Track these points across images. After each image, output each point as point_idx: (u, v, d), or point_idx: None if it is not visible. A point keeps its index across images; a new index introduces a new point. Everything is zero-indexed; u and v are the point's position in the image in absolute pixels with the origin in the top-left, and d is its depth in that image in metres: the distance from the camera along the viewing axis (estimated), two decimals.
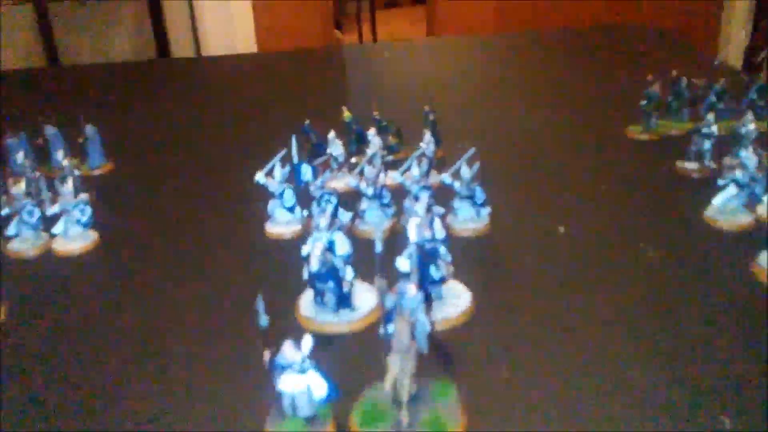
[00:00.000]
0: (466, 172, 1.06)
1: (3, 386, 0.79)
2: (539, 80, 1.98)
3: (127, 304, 0.96)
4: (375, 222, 1.09)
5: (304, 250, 0.83)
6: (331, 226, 0.85)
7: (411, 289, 0.68)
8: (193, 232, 1.17)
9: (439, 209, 1.07)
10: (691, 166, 1.22)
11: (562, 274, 0.98)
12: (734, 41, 4.27)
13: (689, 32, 4.07)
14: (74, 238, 1.11)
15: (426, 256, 0.85)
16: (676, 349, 0.80)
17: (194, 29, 4.04)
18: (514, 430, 0.69)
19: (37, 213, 1.10)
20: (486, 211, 1.09)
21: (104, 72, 2.46)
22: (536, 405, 0.72)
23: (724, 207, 1.05)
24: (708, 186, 1.09)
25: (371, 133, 1.25)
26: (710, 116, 1.21)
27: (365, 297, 0.89)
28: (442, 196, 1.09)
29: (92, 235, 1.13)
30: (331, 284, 0.84)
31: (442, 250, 0.86)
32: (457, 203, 1.08)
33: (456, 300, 0.89)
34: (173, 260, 1.08)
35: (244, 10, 3.99)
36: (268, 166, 1.09)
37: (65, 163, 1.23)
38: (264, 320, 0.67)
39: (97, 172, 1.41)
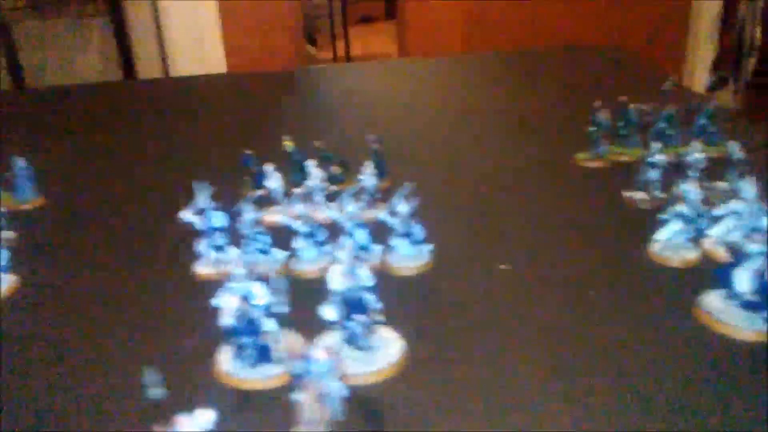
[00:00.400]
0: (402, 208, 1.01)
1: None
2: (496, 104, 1.95)
3: (38, 359, 0.89)
4: (311, 261, 1.04)
5: (215, 301, 0.78)
6: (251, 272, 0.80)
7: (320, 354, 0.62)
8: (119, 274, 1.10)
9: (374, 249, 1.03)
10: (638, 196, 1.19)
11: (503, 315, 0.93)
12: (701, 55, 4.32)
13: (656, 48, 4.11)
14: None
15: (350, 305, 0.80)
16: (616, 394, 0.76)
17: (162, 49, 3.98)
18: None
19: None
20: (427, 248, 1.05)
21: (62, 94, 2.37)
22: None
23: (670, 242, 1.02)
24: (655, 218, 1.06)
25: (311, 164, 1.20)
26: (655, 144, 1.18)
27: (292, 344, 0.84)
28: (381, 232, 1.05)
29: (11, 279, 1.06)
30: (249, 338, 0.78)
31: (369, 297, 0.81)
32: (394, 241, 1.04)
33: (386, 350, 0.84)
34: (95, 306, 1.02)
35: (212, 29, 3.94)
36: (194, 203, 1.03)
37: None
38: (157, 392, 0.62)
39: (25, 207, 1.34)
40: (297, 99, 2.13)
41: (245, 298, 0.78)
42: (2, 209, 1.19)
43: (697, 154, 1.14)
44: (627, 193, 1.21)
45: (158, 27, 3.91)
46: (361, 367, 0.81)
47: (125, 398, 0.79)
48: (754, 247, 0.81)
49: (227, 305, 0.76)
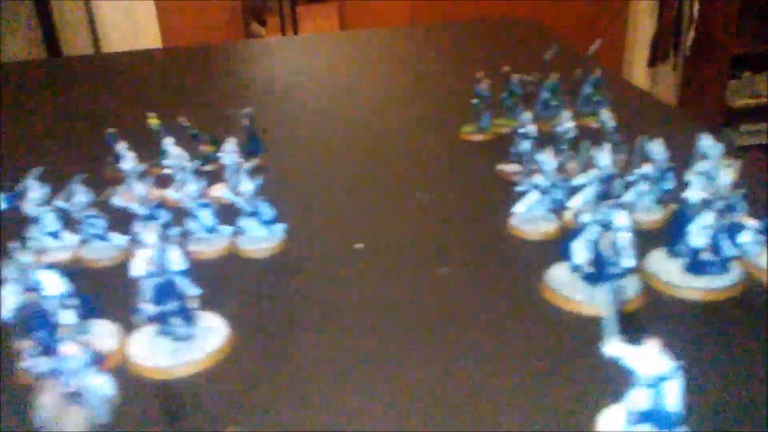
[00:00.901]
0: (247, 185, 0.95)
1: None
2: (402, 78, 1.89)
3: None
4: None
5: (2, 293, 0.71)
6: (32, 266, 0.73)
7: (68, 349, 0.56)
8: None
9: (221, 230, 0.97)
10: (511, 168, 1.15)
11: (349, 298, 0.88)
12: (641, 30, 4.34)
13: (598, 24, 4.11)
14: None
15: (161, 292, 0.74)
16: (451, 371, 0.71)
17: (92, 26, 3.82)
18: None
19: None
20: (278, 228, 0.99)
21: None
22: None
23: (527, 213, 0.98)
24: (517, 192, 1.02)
25: (169, 141, 1.13)
26: (526, 115, 1.13)
27: (106, 339, 0.78)
28: (229, 212, 0.99)
29: None
30: (43, 332, 0.71)
31: (181, 281, 0.75)
32: (242, 221, 0.98)
33: (208, 339, 0.78)
34: None
35: (147, 8, 3.81)
36: (22, 187, 0.95)
37: None
38: None
39: None
40: (207, 75, 2.03)
41: (33, 289, 0.71)
42: None
43: (567, 123, 1.11)
44: (500, 166, 1.17)
45: (88, 6, 3.76)
46: (174, 359, 0.75)
47: None
48: (585, 217, 0.77)
49: (6, 303, 0.68)
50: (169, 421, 0.67)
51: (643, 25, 4.33)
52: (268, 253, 0.98)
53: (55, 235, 0.97)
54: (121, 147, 1.13)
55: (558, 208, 0.98)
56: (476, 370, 0.73)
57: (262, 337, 0.81)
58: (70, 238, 0.98)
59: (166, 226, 0.98)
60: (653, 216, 0.96)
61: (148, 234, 0.74)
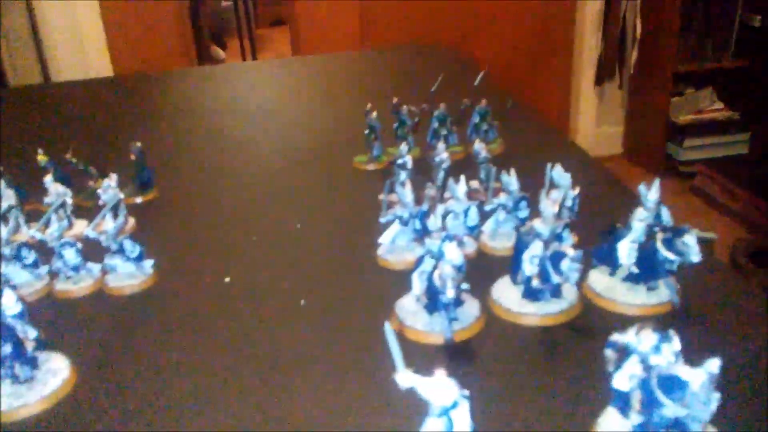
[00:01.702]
0: (109, 224, 0.97)
1: None
2: (311, 104, 1.92)
3: None
4: (24, 285, 0.99)
5: None
6: None
7: None
8: None
9: (90, 269, 0.99)
10: (390, 197, 1.17)
11: (207, 331, 0.90)
12: (586, 51, 4.45)
13: (545, 45, 4.21)
14: None
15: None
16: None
17: (40, 54, 3.80)
18: None
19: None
20: (149, 263, 1.01)
21: None
22: None
23: (391, 244, 1.01)
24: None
25: (48, 179, 1.14)
26: (403, 146, 1.16)
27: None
28: (97, 251, 1.00)
29: None
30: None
31: (18, 323, 0.76)
32: (108, 259, 0.99)
33: (49, 381, 0.79)
34: None
35: (95, 31, 3.81)
36: None
37: None
38: None
39: None
40: (135, 103, 2.05)
41: None
42: None
43: (442, 154, 1.14)
44: (381, 196, 1.19)
45: (35, 32, 3.75)
46: (14, 401, 0.76)
47: None
48: (418, 250, 0.80)
49: None
50: None
51: (589, 45, 4.44)
52: (135, 290, 0.99)
53: None
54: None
55: (420, 237, 1.00)
56: (316, 407, 0.75)
57: (107, 375, 0.82)
58: None
59: (34, 265, 1.00)
60: (508, 244, 1.00)
61: None
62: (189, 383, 0.80)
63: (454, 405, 0.61)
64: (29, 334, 0.77)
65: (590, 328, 0.84)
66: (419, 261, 0.83)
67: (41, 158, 1.26)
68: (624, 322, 0.65)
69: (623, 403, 0.62)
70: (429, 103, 1.39)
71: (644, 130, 4.43)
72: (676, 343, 0.57)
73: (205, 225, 1.21)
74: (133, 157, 1.26)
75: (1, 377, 0.77)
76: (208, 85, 2.26)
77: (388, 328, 0.61)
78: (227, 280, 1.01)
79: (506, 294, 0.87)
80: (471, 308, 0.84)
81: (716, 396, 0.54)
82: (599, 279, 0.88)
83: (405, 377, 0.61)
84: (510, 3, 4.09)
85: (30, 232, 1.00)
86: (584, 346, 0.81)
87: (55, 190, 1.13)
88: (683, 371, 0.55)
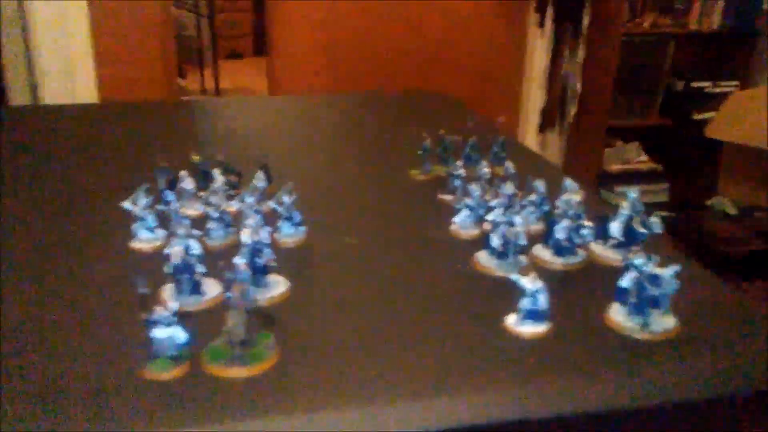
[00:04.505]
0: (286, 199, 1.47)
1: None
2: (353, 134, 2.46)
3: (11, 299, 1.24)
4: (219, 238, 1.47)
5: (167, 250, 1.19)
6: (187, 235, 1.22)
7: (242, 266, 1.07)
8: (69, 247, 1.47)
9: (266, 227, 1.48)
10: (447, 196, 1.72)
11: (352, 271, 1.41)
12: (532, 101, 5.11)
13: (494, 97, 4.85)
14: None
15: (254, 253, 1.24)
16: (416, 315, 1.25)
17: (31, 77, 4.07)
18: (309, 364, 1.09)
19: None
20: (302, 229, 1.51)
21: None
22: (329, 348, 1.13)
23: (462, 223, 1.55)
24: (455, 209, 1.59)
25: (216, 172, 1.63)
26: (458, 163, 1.73)
27: (211, 287, 1.26)
28: (271, 218, 1.50)
29: None
30: (186, 275, 1.20)
31: (266, 250, 1.26)
32: (280, 223, 1.49)
33: (277, 286, 1.28)
34: (58, 265, 1.38)
35: (84, 58, 4.12)
36: (133, 196, 1.43)
37: None
38: (144, 290, 1.03)
39: None
40: (181, 125, 2.52)
41: (186, 249, 1.20)
42: None
43: (485, 169, 1.70)
44: (441, 195, 1.74)
45: (28, 56, 4.04)
46: (262, 296, 1.24)
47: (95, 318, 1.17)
48: (498, 219, 1.35)
49: (174, 252, 1.17)
50: (264, 322, 1.16)
51: (534, 98, 5.09)
52: (294, 245, 1.49)
53: (152, 229, 1.44)
54: (182, 173, 1.63)
55: (480, 221, 1.55)
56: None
57: (305, 287, 1.32)
58: (158, 232, 1.46)
59: (229, 225, 1.49)
60: (537, 226, 1.56)
61: (250, 221, 1.25)
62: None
63: (539, 290, 1.15)
64: (270, 255, 1.26)
65: (593, 272, 1.40)
66: (496, 226, 1.37)
67: (195, 158, 1.74)
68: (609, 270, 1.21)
69: (624, 296, 1.18)
70: (461, 135, 1.96)
71: (580, 174, 5.11)
72: (656, 259, 1.14)
73: (315, 208, 1.71)
74: (263, 161, 1.75)
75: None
76: (258, 114, 2.76)
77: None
78: (349, 240, 1.52)
79: (542, 253, 1.43)
80: (524, 259, 1.40)
81: (677, 283, 1.11)
82: (597, 246, 1.45)
83: (518, 278, 1.15)
84: (463, 57, 4.70)
85: (234, 203, 1.48)
86: (588, 281, 1.37)
87: (221, 179, 1.61)
88: (659, 270, 1.12)
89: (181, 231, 1.21)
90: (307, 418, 0.96)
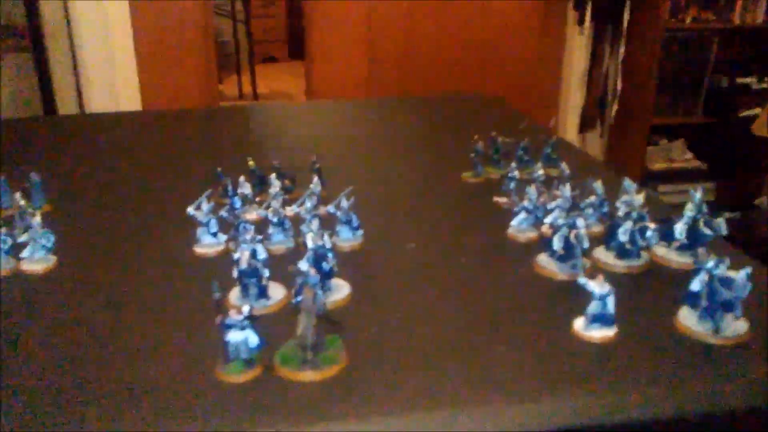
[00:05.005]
0: (345, 204, 1.48)
1: None
2: (400, 138, 2.47)
3: (86, 315, 1.27)
4: (279, 243, 1.48)
5: (235, 255, 1.21)
6: (252, 240, 1.24)
7: (312, 271, 1.08)
8: (138, 252, 1.50)
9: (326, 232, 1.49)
10: (502, 199, 1.71)
11: (412, 275, 1.42)
12: (572, 102, 5.07)
13: (534, 96, 4.82)
14: (39, 260, 1.41)
15: (318, 258, 1.25)
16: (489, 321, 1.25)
17: (78, 85, 4.17)
18: (378, 368, 1.10)
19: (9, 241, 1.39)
20: (360, 232, 1.52)
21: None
22: (397, 352, 1.14)
23: (519, 226, 1.54)
24: (511, 212, 1.58)
25: (272, 177, 1.65)
26: (513, 165, 1.72)
27: (276, 290, 1.28)
28: (328, 222, 1.51)
29: (53, 258, 1.44)
30: (253, 280, 1.22)
31: (329, 254, 1.27)
32: (338, 227, 1.50)
33: (339, 290, 1.29)
34: (129, 270, 1.41)
35: (128, 67, 4.21)
36: (197, 202, 1.46)
37: (22, 202, 1.52)
38: (218, 295, 1.05)
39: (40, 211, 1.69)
40: (236, 132, 2.56)
41: (252, 254, 1.21)
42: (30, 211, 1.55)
43: (539, 171, 1.69)
44: (496, 198, 1.73)
45: (75, 64, 4.14)
46: (326, 299, 1.26)
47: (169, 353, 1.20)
48: (559, 221, 1.34)
49: (243, 256, 1.19)
50: (332, 326, 1.18)
51: (574, 98, 5.05)
52: (352, 248, 1.50)
53: (215, 234, 1.47)
54: (240, 179, 1.65)
55: (538, 223, 1.54)
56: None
57: (366, 291, 1.33)
58: (221, 237, 1.48)
59: (288, 229, 1.50)
60: (596, 228, 1.54)
61: (313, 226, 1.26)
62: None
63: (608, 293, 1.14)
64: (332, 260, 1.27)
65: (657, 275, 1.38)
66: (557, 229, 1.36)
67: (251, 163, 1.77)
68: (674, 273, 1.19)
69: (694, 300, 1.16)
70: (512, 137, 1.95)
71: (622, 174, 5.03)
72: (727, 262, 1.12)
73: (374, 211, 1.72)
74: (317, 165, 1.77)
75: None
76: (302, 120, 2.79)
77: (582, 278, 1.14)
78: (411, 245, 1.52)
79: (603, 255, 1.42)
80: (586, 262, 1.38)
81: (750, 285, 1.09)
82: (659, 249, 1.43)
83: (586, 282, 1.14)
84: (501, 58, 4.68)
85: (292, 208, 1.50)
86: (653, 284, 1.35)
87: (277, 184, 1.63)
88: (732, 273, 1.10)
89: (247, 236, 1.23)
90: (382, 422, 0.97)
